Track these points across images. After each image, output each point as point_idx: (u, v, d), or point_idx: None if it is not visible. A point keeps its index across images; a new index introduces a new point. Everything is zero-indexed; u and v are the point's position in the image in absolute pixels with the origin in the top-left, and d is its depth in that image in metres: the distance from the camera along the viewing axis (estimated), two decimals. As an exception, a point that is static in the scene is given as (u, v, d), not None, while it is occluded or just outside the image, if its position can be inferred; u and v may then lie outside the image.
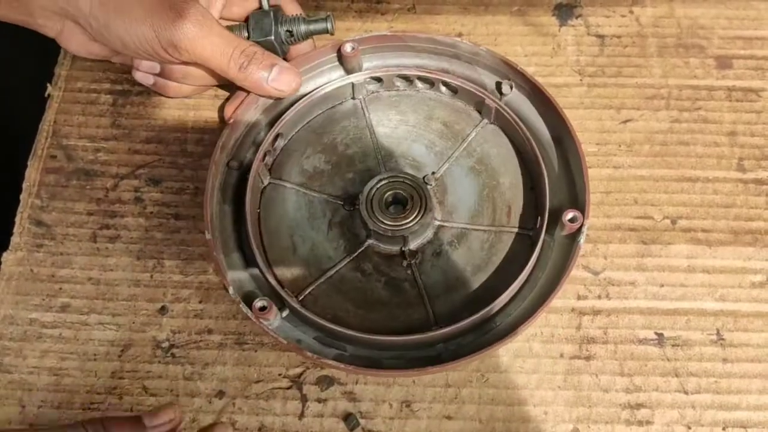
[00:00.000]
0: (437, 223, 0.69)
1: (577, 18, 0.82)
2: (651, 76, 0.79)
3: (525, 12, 0.82)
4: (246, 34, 0.72)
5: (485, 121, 0.74)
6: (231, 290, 0.63)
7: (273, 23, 0.72)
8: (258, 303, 0.62)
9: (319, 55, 0.73)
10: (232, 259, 0.68)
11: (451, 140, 0.73)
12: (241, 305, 0.62)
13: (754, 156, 0.75)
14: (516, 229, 0.69)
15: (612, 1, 0.82)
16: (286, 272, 0.68)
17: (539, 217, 0.66)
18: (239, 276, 0.67)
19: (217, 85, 0.77)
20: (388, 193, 0.68)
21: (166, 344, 0.67)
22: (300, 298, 0.66)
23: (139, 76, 0.76)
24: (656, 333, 0.67)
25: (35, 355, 0.67)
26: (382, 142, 0.73)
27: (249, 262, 0.68)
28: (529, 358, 0.67)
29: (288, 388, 0.66)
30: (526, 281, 0.66)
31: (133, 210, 0.73)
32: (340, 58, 0.74)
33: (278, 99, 0.73)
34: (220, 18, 0.72)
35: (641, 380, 0.66)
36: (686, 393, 0.65)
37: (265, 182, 0.71)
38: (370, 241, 0.69)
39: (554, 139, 0.71)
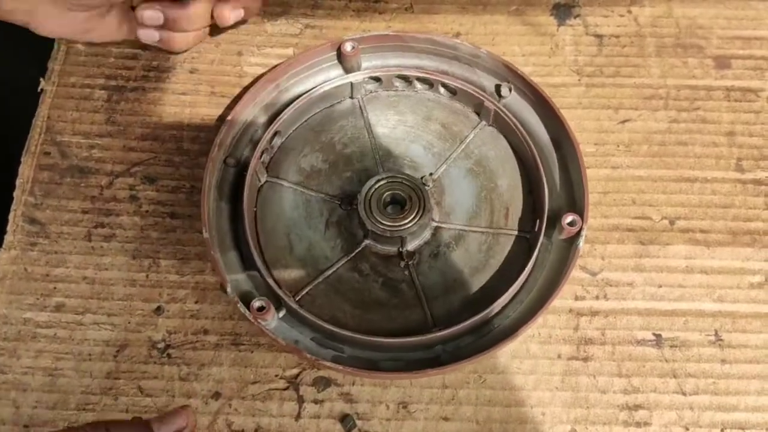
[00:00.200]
0: (435, 224, 0.69)
1: (575, 18, 0.82)
2: (649, 76, 0.79)
3: (523, 11, 0.82)
4: None
5: (484, 123, 0.73)
6: (229, 289, 0.63)
7: None
8: (256, 303, 0.62)
9: (319, 54, 0.73)
10: (229, 258, 0.67)
11: (450, 141, 0.73)
12: (239, 305, 0.62)
13: (752, 156, 0.75)
14: (514, 232, 0.69)
15: (610, 1, 0.82)
16: (283, 272, 0.67)
17: (537, 220, 0.66)
18: (236, 275, 0.66)
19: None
20: (387, 193, 0.67)
21: (162, 345, 0.67)
22: (297, 298, 0.66)
23: (143, 34, 0.75)
24: (654, 334, 0.67)
25: (29, 355, 0.66)
26: (380, 142, 0.73)
27: (246, 261, 0.67)
28: (526, 359, 0.67)
29: (285, 389, 0.65)
30: (524, 283, 0.66)
31: (128, 208, 0.72)
32: (340, 56, 0.73)
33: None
34: None
35: (639, 381, 0.66)
36: (684, 394, 0.65)
37: (262, 180, 0.71)
38: (367, 242, 0.68)
39: (553, 142, 0.71)
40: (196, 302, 0.68)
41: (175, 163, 0.74)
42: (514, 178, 0.71)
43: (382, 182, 0.68)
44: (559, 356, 0.67)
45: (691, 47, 0.80)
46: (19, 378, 0.65)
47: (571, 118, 0.73)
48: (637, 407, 0.65)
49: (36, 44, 0.79)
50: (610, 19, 0.81)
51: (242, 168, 0.70)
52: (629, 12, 0.82)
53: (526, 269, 0.64)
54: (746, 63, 0.79)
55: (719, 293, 0.69)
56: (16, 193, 0.72)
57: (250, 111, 0.72)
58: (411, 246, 0.68)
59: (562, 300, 0.68)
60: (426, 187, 0.68)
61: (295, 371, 0.66)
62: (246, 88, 0.77)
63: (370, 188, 0.67)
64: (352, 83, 0.74)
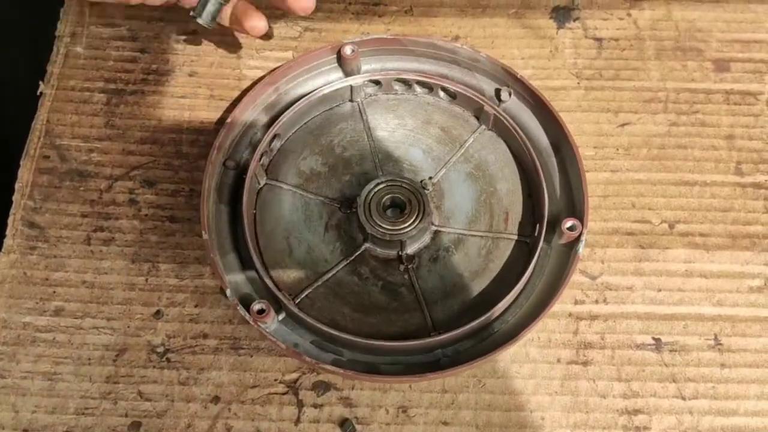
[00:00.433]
0: (434, 228, 0.69)
1: (574, 21, 0.81)
2: (649, 80, 0.78)
3: (522, 15, 0.82)
4: None
5: (483, 127, 0.73)
6: (228, 292, 0.63)
7: None
8: (256, 306, 0.62)
9: (318, 57, 0.73)
10: (228, 261, 0.67)
11: (449, 145, 0.73)
12: (238, 308, 0.62)
13: (752, 159, 0.75)
14: (514, 236, 0.69)
15: (610, 4, 0.82)
16: (282, 274, 0.67)
17: (537, 225, 0.66)
18: (235, 278, 0.66)
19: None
20: (386, 197, 0.67)
21: (161, 349, 0.66)
22: (297, 301, 0.66)
23: None
24: (654, 338, 0.67)
25: (29, 359, 0.66)
26: (379, 146, 0.73)
27: (245, 263, 0.67)
28: (526, 363, 0.67)
29: (284, 394, 0.65)
30: (524, 288, 0.66)
31: (127, 212, 0.72)
32: (340, 59, 0.73)
33: None
34: None
35: (639, 386, 0.66)
36: (684, 398, 0.65)
37: (262, 183, 0.71)
38: (367, 245, 0.68)
39: (553, 147, 0.71)
40: (195, 306, 0.68)
41: (175, 166, 0.74)
42: (514, 183, 0.71)
43: (381, 186, 0.68)
44: (558, 360, 0.67)
45: (690, 50, 0.80)
46: (18, 382, 0.65)
47: (571, 121, 0.73)
48: (637, 412, 0.65)
49: (35, 47, 0.79)
50: (609, 22, 0.81)
51: (241, 171, 0.70)
52: (629, 15, 0.82)
53: (526, 274, 0.64)
54: (745, 66, 0.79)
55: (719, 297, 0.69)
56: (15, 197, 0.72)
57: (250, 114, 0.72)
58: (411, 250, 0.68)
59: (561, 304, 0.68)
60: (426, 191, 0.68)
61: (294, 375, 0.66)
62: (245, 91, 0.77)
63: (370, 191, 0.67)
64: (351, 86, 0.74)
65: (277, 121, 0.71)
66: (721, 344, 0.67)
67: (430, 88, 0.74)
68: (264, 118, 0.73)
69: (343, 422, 0.64)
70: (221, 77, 0.79)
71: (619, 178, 0.74)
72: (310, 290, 0.67)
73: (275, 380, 0.66)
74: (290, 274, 0.68)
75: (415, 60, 0.75)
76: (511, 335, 0.63)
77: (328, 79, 0.74)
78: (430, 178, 0.71)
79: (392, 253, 0.68)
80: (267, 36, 0.79)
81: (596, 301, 0.69)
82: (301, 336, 0.65)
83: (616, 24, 0.81)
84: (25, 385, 0.65)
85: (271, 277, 0.65)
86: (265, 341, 0.66)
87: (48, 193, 0.73)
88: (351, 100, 0.75)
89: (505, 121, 0.71)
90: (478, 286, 0.67)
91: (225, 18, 0.73)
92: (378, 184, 0.68)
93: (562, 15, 0.82)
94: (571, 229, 0.64)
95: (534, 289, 0.66)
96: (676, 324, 0.68)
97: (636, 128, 0.76)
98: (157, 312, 0.68)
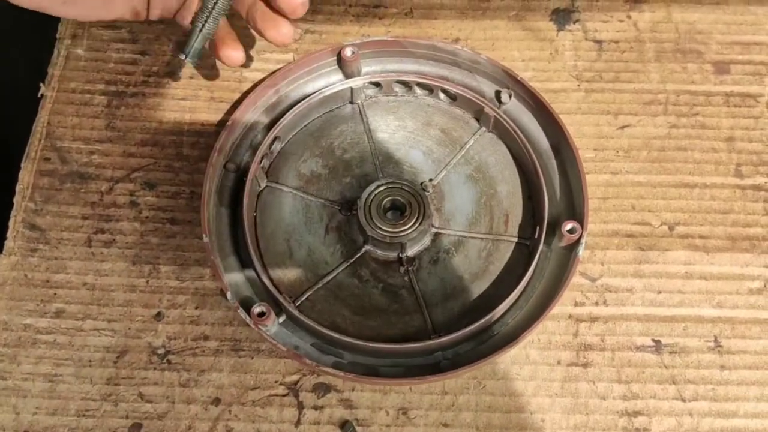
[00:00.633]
0: (435, 230, 0.69)
1: (574, 23, 0.82)
2: (649, 82, 0.79)
3: (522, 17, 0.82)
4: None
5: (483, 129, 0.73)
6: (229, 295, 0.63)
7: None
8: (256, 309, 0.62)
9: (318, 59, 0.73)
10: (229, 263, 0.67)
11: (449, 147, 0.73)
12: (239, 311, 0.62)
13: (751, 162, 0.75)
14: (514, 238, 0.69)
15: (610, 6, 0.82)
16: (283, 277, 0.67)
17: (537, 227, 0.66)
18: (236, 281, 0.66)
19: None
20: (387, 199, 0.67)
21: (162, 350, 0.67)
22: (297, 304, 0.66)
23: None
24: (654, 340, 0.67)
25: (30, 361, 0.66)
26: (379, 148, 0.73)
27: (245, 266, 0.67)
28: (526, 365, 0.67)
29: (284, 396, 0.65)
30: (524, 290, 0.66)
31: (128, 214, 0.72)
32: (340, 61, 0.73)
33: None
34: None
35: (639, 387, 0.66)
36: (684, 400, 0.65)
37: (262, 185, 0.71)
38: (367, 247, 0.68)
39: (553, 149, 0.71)
40: (196, 308, 0.68)
41: (175, 168, 0.74)
42: (514, 185, 0.71)
43: (382, 188, 0.68)
44: (558, 362, 0.67)
45: (690, 52, 0.80)
46: (19, 384, 0.65)
47: (571, 123, 0.73)
48: (637, 413, 0.65)
49: (36, 49, 0.79)
50: (609, 25, 0.82)
51: (242, 173, 0.70)
52: (628, 17, 0.82)
53: (526, 276, 0.64)
54: (745, 68, 0.79)
55: (718, 299, 0.69)
56: (16, 199, 0.72)
57: (250, 116, 0.72)
58: (411, 252, 0.68)
59: (561, 306, 0.68)
60: (426, 193, 0.68)
61: (295, 377, 0.66)
62: (245, 94, 0.77)
63: (370, 194, 0.68)
64: (352, 88, 0.74)
65: (277, 124, 0.71)
66: (720, 346, 0.67)
67: (430, 89, 0.75)
68: (264, 120, 0.74)
69: (344, 424, 0.64)
70: (221, 79, 0.79)
71: (619, 180, 0.74)
72: (310, 293, 0.67)
73: (276, 382, 0.66)
74: (291, 277, 0.68)
75: (416, 62, 0.75)
76: (511, 337, 0.63)
77: (329, 81, 0.75)
78: (431, 180, 0.71)
79: (392, 255, 0.68)
80: (244, 65, 0.78)
81: (596, 303, 0.69)
82: (301, 338, 0.65)
83: (616, 26, 0.81)
84: (26, 387, 0.65)
85: (271, 280, 0.66)
86: (265, 343, 0.66)
87: (49, 195, 0.73)
88: (351, 102, 0.75)
89: (505, 123, 0.71)
90: (478, 289, 0.67)
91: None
92: (378, 186, 0.68)
93: (562, 17, 0.82)
94: (571, 231, 0.64)
95: (534, 291, 0.66)
96: (676, 326, 0.68)
97: (636, 130, 0.76)
98: (158, 314, 0.68)
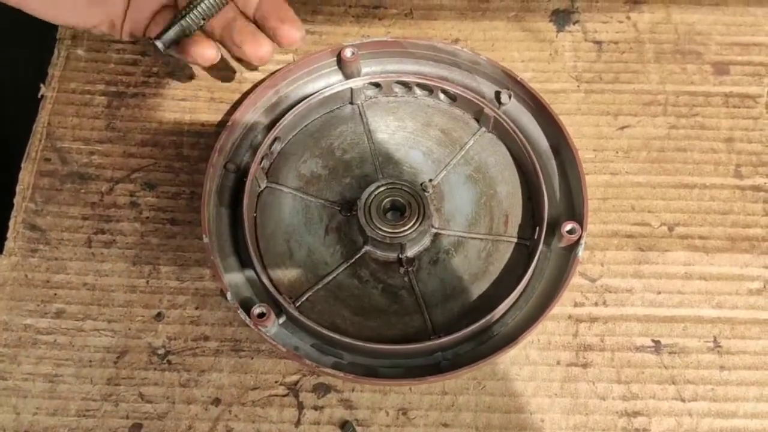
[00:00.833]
0: (434, 230, 0.69)
1: (574, 24, 0.82)
2: (648, 82, 0.79)
3: (522, 18, 0.82)
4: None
5: (483, 129, 0.73)
6: (229, 296, 0.63)
7: None
8: (256, 310, 0.62)
9: (318, 59, 0.73)
10: (229, 264, 0.67)
11: (449, 148, 0.73)
12: (239, 311, 0.62)
13: (751, 162, 0.75)
14: (513, 239, 0.69)
15: (609, 7, 0.82)
16: (283, 278, 0.68)
17: (537, 228, 0.66)
18: (236, 281, 0.67)
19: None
20: (386, 199, 0.68)
21: (162, 351, 0.67)
22: (297, 305, 0.66)
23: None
24: (653, 340, 0.68)
25: (30, 361, 0.66)
26: (379, 148, 0.73)
27: (245, 266, 0.67)
28: (525, 366, 0.67)
29: (284, 396, 0.65)
30: (524, 291, 0.66)
31: (128, 215, 0.72)
32: (340, 62, 0.73)
33: None
34: None
35: (638, 388, 0.66)
36: (683, 401, 0.65)
37: (262, 186, 0.71)
38: (367, 248, 0.68)
39: (552, 150, 0.71)
40: (196, 308, 0.68)
41: (175, 169, 0.74)
42: (514, 185, 0.71)
43: (381, 188, 0.68)
44: (558, 363, 0.67)
45: (689, 53, 0.80)
46: (19, 384, 0.65)
47: (570, 124, 0.73)
48: (636, 414, 0.65)
49: (37, 49, 0.79)
50: (609, 25, 0.82)
51: (242, 174, 0.71)
52: (628, 18, 0.82)
53: (526, 277, 0.64)
54: (744, 69, 0.79)
55: (718, 299, 0.69)
56: (16, 200, 0.72)
57: (250, 116, 0.72)
58: (411, 252, 0.68)
59: (561, 306, 0.68)
60: (426, 194, 0.68)
61: (295, 378, 0.66)
62: (245, 94, 0.78)
63: (370, 194, 0.68)
64: (351, 89, 0.74)
65: (277, 124, 0.71)
66: (720, 346, 0.67)
67: (430, 90, 0.75)
68: (264, 121, 0.74)
69: (344, 424, 0.64)
70: (222, 80, 0.79)
71: (619, 181, 0.74)
72: (310, 293, 0.67)
73: (276, 382, 0.66)
74: (291, 278, 0.68)
75: (415, 62, 0.75)
76: (511, 338, 0.63)
77: (329, 82, 0.75)
78: (430, 180, 0.71)
79: (392, 255, 0.68)
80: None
81: (596, 304, 0.69)
82: (301, 339, 0.65)
83: (616, 27, 0.82)
84: (26, 387, 0.65)
85: (271, 280, 0.66)
86: (265, 343, 0.66)
87: (49, 195, 0.73)
88: (351, 103, 0.75)
89: (505, 124, 0.71)
90: (478, 289, 0.67)
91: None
92: (378, 186, 0.68)
93: (561, 18, 0.82)
94: (570, 232, 0.64)
95: (534, 291, 0.66)
96: (675, 326, 0.68)
97: (635, 131, 0.76)
98: (158, 314, 0.68)
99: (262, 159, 0.70)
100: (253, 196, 0.70)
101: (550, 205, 0.67)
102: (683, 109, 0.77)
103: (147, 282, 0.69)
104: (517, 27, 0.82)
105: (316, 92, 0.73)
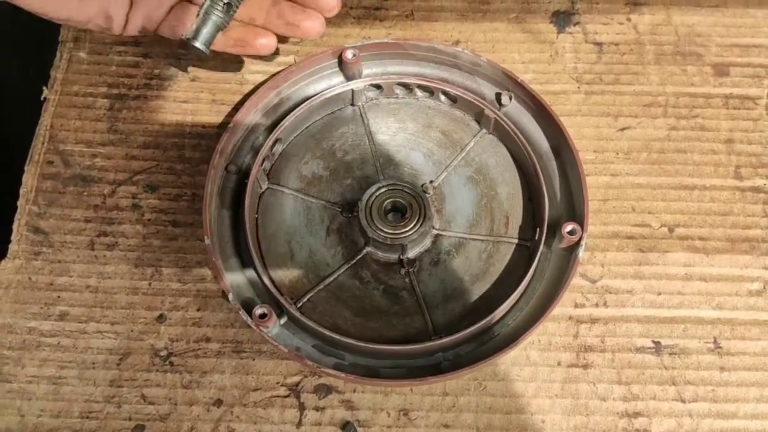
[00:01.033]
0: (435, 231, 0.69)
1: (574, 25, 0.82)
2: (648, 84, 0.79)
3: (523, 19, 0.82)
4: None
5: (484, 131, 0.74)
6: (231, 297, 0.63)
7: None
8: (258, 310, 0.62)
9: (320, 61, 0.73)
10: (230, 265, 0.67)
11: (450, 149, 0.73)
12: (240, 312, 0.62)
13: (751, 164, 0.75)
14: (514, 240, 0.69)
15: (610, 9, 0.83)
16: (284, 279, 0.68)
17: (538, 229, 0.67)
18: (237, 282, 0.67)
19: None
20: (387, 201, 0.68)
21: (164, 352, 0.67)
22: (298, 306, 0.66)
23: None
24: (654, 341, 0.68)
25: (34, 363, 0.66)
26: (380, 150, 0.73)
27: (247, 268, 0.68)
28: (526, 366, 0.67)
29: (286, 397, 0.66)
30: (524, 292, 0.66)
31: (130, 217, 0.72)
32: (341, 64, 0.74)
33: None
34: None
35: (639, 389, 0.66)
36: (683, 401, 0.66)
37: (264, 187, 0.71)
38: (368, 249, 0.69)
39: (553, 151, 0.72)
40: (198, 310, 0.69)
41: (177, 170, 0.75)
42: (515, 186, 0.71)
43: (382, 190, 0.68)
44: (559, 363, 0.67)
45: (690, 55, 0.80)
46: (23, 387, 0.66)
47: (571, 125, 0.74)
48: (637, 414, 0.65)
49: (39, 52, 0.79)
50: (609, 27, 0.82)
51: (243, 175, 0.71)
52: (628, 20, 0.82)
53: (526, 278, 0.65)
54: (744, 71, 0.80)
55: (718, 300, 0.69)
56: (20, 203, 0.73)
57: (251, 118, 0.73)
58: (412, 253, 0.68)
59: (561, 307, 0.69)
60: (426, 195, 0.68)
61: (296, 378, 0.66)
62: (247, 96, 0.78)
63: (371, 195, 0.68)
64: (353, 90, 0.74)
65: (278, 126, 0.71)
66: (720, 347, 0.68)
67: (430, 92, 0.75)
68: (266, 123, 0.74)
69: (345, 425, 0.65)
70: (223, 82, 0.79)
71: (619, 182, 0.74)
72: (311, 294, 0.67)
73: (277, 383, 0.66)
74: (292, 278, 0.68)
75: (416, 64, 0.76)
76: (511, 338, 0.63)
77: (330, 83, 0.75)
78: (431, 181, 0.71)
79: (393, 256, 0.69)
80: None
81: (596, 305, 0.69)
82: (302, 340, 0.65)
83: (616, 28, 0.82)
84: (30, 390, 0.65)
85: (272, 281, 0.66)
86: (267, 344, 0.67)
87: (52, 198, 0.73)
88: (352, 104, 0.75)
89: (505, 125, 0.71)
90: (478, 290, 0.67)
91: (219, 43, 0.73)
92: (379, 188, 0.68)
93: (562, 19, 0.82)
94: (571, 233, 0.65)
95: (534, 292, 0.66)
96: (675, 327, 0.68)
97: (636, 132, 0.77)
98: (160, 316, 0.68)
99: (264, 160, 0.70)
100: (254, 197, 0.70)
101: (550, 206, 0.68)
102: (683, 110, 0.78)
103: (149, 284, 0.70)
104: (517, 28, 0.82)
105: (317, 94, 0.74)
